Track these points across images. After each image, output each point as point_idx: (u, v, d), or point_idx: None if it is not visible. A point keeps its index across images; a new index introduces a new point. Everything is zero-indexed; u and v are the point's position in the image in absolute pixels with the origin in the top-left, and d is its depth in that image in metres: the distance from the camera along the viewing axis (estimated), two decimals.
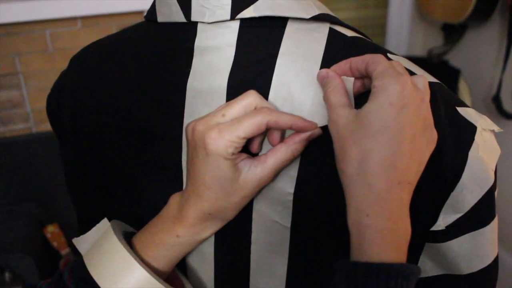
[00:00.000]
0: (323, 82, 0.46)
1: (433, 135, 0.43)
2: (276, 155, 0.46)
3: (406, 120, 0.41)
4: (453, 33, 2.24)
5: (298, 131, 0.46)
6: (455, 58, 2.30)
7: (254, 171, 0.45)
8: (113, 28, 2.02)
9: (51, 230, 1.95)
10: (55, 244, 1.94)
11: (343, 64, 0.46)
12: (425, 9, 2.24)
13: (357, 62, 0.45)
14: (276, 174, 0.47)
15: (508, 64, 1.98)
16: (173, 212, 0.49)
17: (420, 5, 2.28)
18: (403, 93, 0.41)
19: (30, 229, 1.87)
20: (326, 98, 0.45)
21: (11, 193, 1.98)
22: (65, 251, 1.95)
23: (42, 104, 2.01)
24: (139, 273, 0.46)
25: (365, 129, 0.41)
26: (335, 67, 0.46)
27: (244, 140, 0.44)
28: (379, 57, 0.44)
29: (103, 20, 1.99)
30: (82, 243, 0.52)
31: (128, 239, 0.51)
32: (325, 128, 0.46)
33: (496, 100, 2.00)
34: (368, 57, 0.44)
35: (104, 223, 0.52)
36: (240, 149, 0.45)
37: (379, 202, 0.41)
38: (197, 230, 0.48)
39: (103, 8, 1.92)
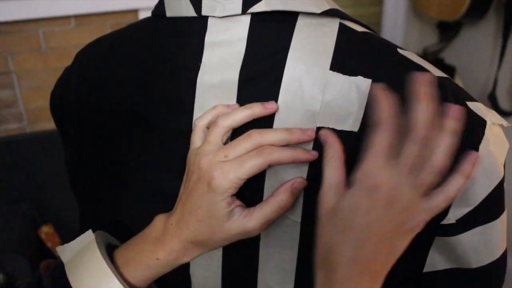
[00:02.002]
0: (323, 145, 0.46)
1: (412, 224, 0.43)
2: (263, 208, 0.47)
3: (371, 222, 0.42)
4: (448, 30, 2.25)
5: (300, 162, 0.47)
6: (450, 56, 2.30)
7: (240, 222, 0.47)
8: (107, 27, 2.01)
9: (46, 231, 1.94)
10: (49, 244, 1.93)
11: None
12: (420, 6, 2.24)
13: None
14: (265, 226, 0.48)
15: (504, 62, 1.98)
16: (156, 234, 0.49)
17: (415, 2, 2.29)
18: (372, 194, 0.42)
19: (24, 230, 1.85)
20: (323, 167, 0.46)
21: (5, 193, 1.97)
22: None
23: (36, 103, 2.00)
24: None
25: (334, 226, 0.44)
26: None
27: (244, 180, 0.46)
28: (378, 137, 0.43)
29: (97, 18, 1.98)
30: (65, 252, 0.53)
31: (110, 252, 0.52)
32: (339, 131, 0.46)
33: (492, 97, 2.00)
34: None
35: (89, 235, 0.52)
36: (238, 189, 0.46)
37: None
38: (179, 256, 0.49)
39: (96, 6, 1.91)
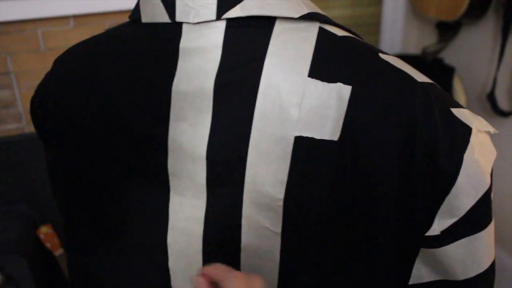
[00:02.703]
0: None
1: None
2: None
3: None
4: (447, 30, 2.24)
5: None
6: (449, 56, 2.30)
7: None
8: (105, 27, 2.00)
9: (45, 231, 1.94)
10: (48, 245, 1.93)
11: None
12: (419, 6, 2.24)
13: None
14: None
15: (503, 62, 1.98)
16: None
17: (414, 2, 2.28)
18: None
19: (23, 230, 1.85)
20: None
21: (4, 193, 1.97)
22: (58, 252, 1.93)
23: None
24: None
25: None
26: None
27: None
28: None
29: (96, 19, 1.98)
30: None
31: None
32: (319, 141, 0.45)
33: (491, 98, 2.00)
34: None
35: None
36: None
37: None
38: None
39: (95, 7, 1.91)
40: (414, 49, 2.52)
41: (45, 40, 1.94)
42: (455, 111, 0.47)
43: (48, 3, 1.85)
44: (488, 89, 2.06)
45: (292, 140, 0.46)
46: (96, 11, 1.92)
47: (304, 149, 0.46)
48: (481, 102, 2.13)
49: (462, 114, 0.47)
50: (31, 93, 1.98)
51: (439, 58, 2.31)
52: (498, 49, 2.00)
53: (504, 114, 1.99)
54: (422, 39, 2.47)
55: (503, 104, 2.03)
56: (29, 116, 2.01)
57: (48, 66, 1.97)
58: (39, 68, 1.97)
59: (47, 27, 1.93)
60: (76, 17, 1.95)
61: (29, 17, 1.86)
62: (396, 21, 2.50)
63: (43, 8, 1.85)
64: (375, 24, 2.56)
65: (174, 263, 0.52)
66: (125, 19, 2.01)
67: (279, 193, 0.46)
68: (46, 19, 1.91)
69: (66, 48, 1.96)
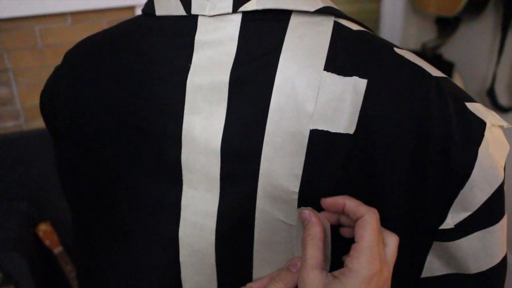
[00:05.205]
0: (304, 223, 0.47)
1: None
2: None
3: None
4: (447, 26, 2.24)
5: None
6: (449, 52, 2.30)
7: None
8: (103, 24, 2.00)
9: (43, 229, 1.93)
10: (47, 242, 1.92)
11: (340, 200, 0.46)
12: (419, 2, 2.24)
13: (351, 208, 0.45)
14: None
15: (502, 57, 1.97)
16: None
17: None
18: (370, 283, 0.42)
19: (22, 228, 1.85)
20: (303, 246, 0.46)
21: (2, 191, 1.96)
22: (57, 249, 1.93)
23: (33, 101, 1.99)
24: None
25: None
26: (329, 200, 0.46)
27: None
28: (371, 223, 0.43)
29: (94, 15, 1.97)
30: None
31: None
32: (334, 134, 0.45)
33: (491, 93, 2.00)
34: (362, 213, 0.44)
35: None
36: None
37: None
38: None
39: (93, 3, 1.90)
40: (413, 45, 2.51)
41: (43, 37, 1.94)
42: (469, 105, 0.47)
43: (46, 0, 1.84)
44: (488, 84, 2.05)
45: (307, 134, 0.46)
46: (94, 8, 1.91)
47: (319, 142, 0.46)
48: (481, 98, 2.13)
49: (476, 108, 0.47)
50: (29, 90, 1.98)
51: (438, 53, 2.31)
52: (497, 44, 2.00)
53: (503, 109, 1.99)
54: (421, 35, 2.47)
55: (502, 99, 2.03)
56: (27, 114, 2.00)
57: (45, 63, 1.97)
58: (37, 65, 1.96)
59: (45, 24, 1.92)
60: (73, 14, 1.94)
61: (26, 14, 1.85)
62: (395, 17, 2.50)
63: (40, 5, 1.85)
64: (374, 20, 2.56)
65: (185, 256, 0.52)
66: (124, 16, 2.00)
67: (294, 186, 0.47)
68: (43, 16, 1.90)
69: (63, 45, 1.96)
